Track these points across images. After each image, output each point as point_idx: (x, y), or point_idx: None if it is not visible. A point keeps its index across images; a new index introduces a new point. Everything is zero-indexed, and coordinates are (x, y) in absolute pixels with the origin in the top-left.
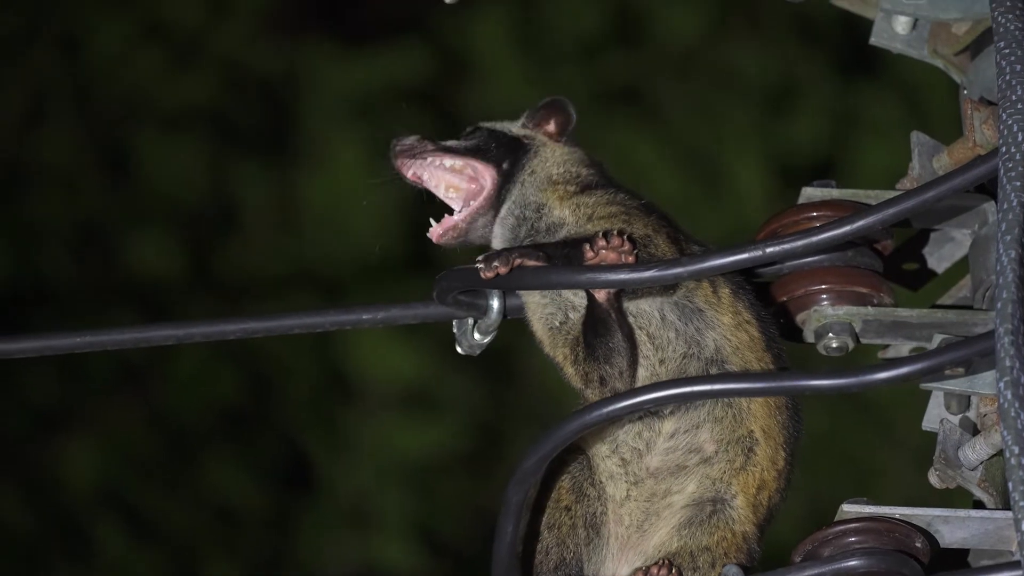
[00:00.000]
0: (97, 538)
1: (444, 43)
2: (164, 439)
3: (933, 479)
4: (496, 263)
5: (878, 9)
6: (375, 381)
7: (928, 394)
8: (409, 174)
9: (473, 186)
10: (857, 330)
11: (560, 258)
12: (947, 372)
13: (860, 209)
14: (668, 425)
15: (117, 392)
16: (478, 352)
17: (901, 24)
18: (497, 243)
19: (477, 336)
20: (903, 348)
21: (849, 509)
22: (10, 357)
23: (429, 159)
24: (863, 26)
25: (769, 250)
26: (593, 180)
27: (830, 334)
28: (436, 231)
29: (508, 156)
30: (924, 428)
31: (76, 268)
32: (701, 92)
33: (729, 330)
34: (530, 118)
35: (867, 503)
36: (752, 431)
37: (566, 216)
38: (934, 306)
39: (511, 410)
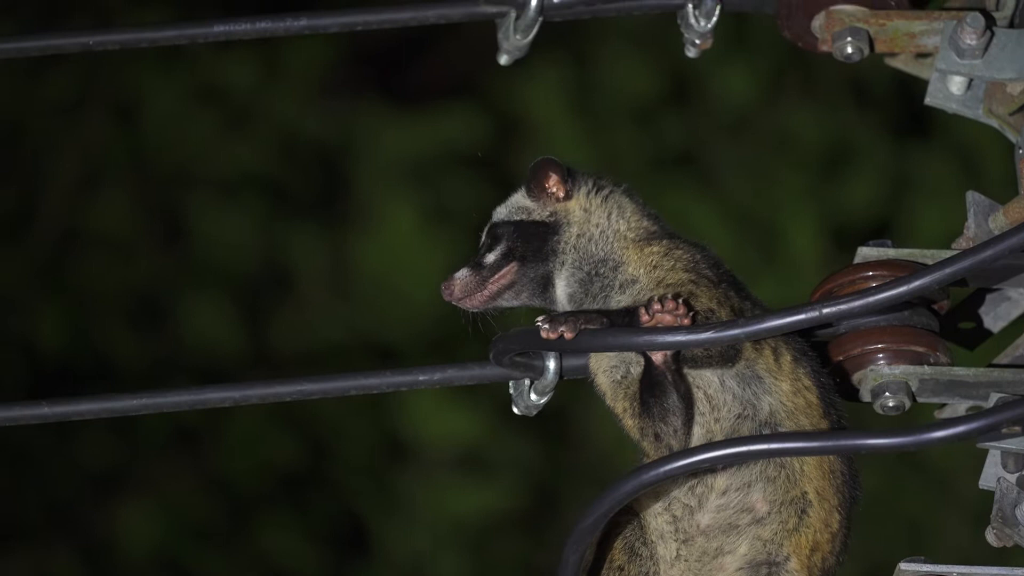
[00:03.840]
0: None
1: (499, 105)
2: (220, 502)
3: (990, 538)
4: (563, 327)
5: (933, 70)
6: (431, 443)
7: (985, 453)
8: (476, 308)
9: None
10: (914, 389)
11: (621, 322)
12: (1004, 431)
13: (916, 269)
14: (721, 482)
15: (173, 455)
16: (534, 413)
17: (956, 84)
18: (562, 297)
19: (534, 397)
20: (960, 407)
21: (907, 568)
22: (69, 419)
23: (487, 295)
24: (918, 87)
25: (826, 311)
26: (655, 231)
27: (887, 393)
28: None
29: (540, 243)
30: (981, 487)
31: (131, 335)
32: (756, 154)
33: (787, 396)
34: (531, 191)
35: (925, 562)
36: (806, 492)
37: (640, 275)
38: (991, 365)
39: (567, 470)
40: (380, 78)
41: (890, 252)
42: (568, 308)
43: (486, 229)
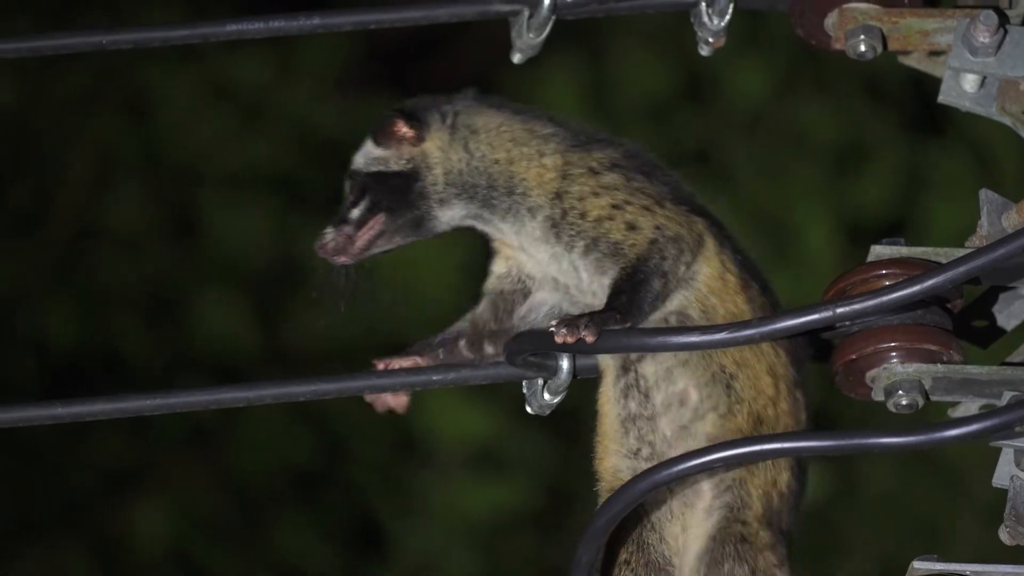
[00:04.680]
0: None
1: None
2: (234, 501)
3: (1003, 536)
4: (583, 332)
5: (946, 67)
6: (445, 442)
7: (998, 451)
8: (351, 261)
9: None
10: (927, 388)
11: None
12: (1017, 429)
13: (930, 268)
14: (648, 369)
15: (187, 454)
16: (548, 412)
17: (969, 82)
18: (455, 220)
19: (547, 396)
20: (972, 406)
21: (920, 567)
22: (82, 420)
23: (359, 247)
24: (931, 84)
25: (840, 310)
26: (547, 133)
27: (900, 391)
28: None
29: (403, 193)
30: (994, 485)
31: (145, 332)
32: (770, 152)
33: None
34: (379, 140)
35: (937, 560)
36: (723, 365)
37: (543, 203)
38: (1004, 363)
39: (581, 469)
40: (394, 75)
41: (903, 250)
42: (465, 225)
43: (346, 178)
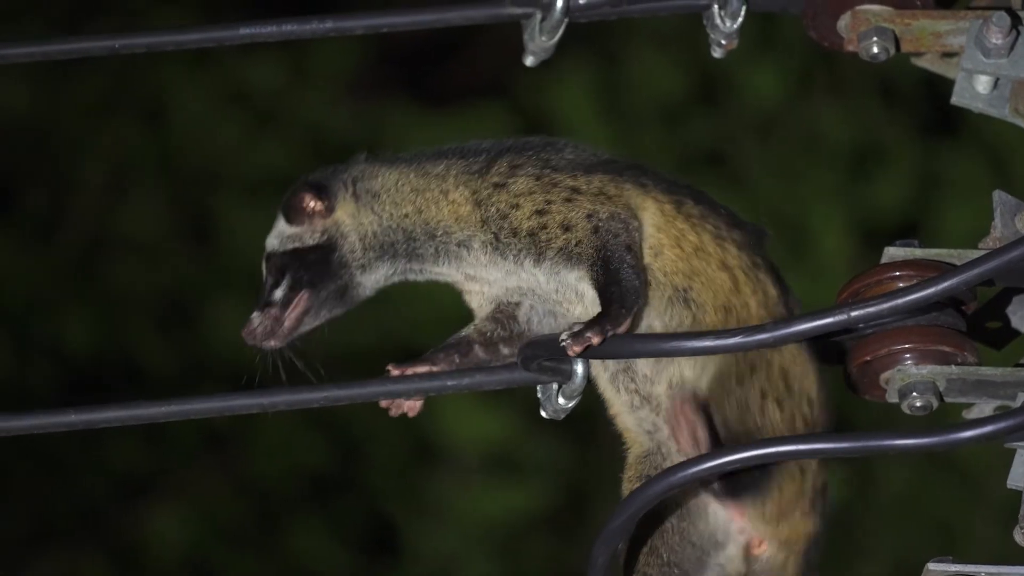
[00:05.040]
0: None
1: (526, 105)
2: (250, 506)
3: (1018, 537)
4: (589, 334)
5: (959, 69)
6: (460, 446)
7: (1013, 452)
8: (281, 344)
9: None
10: (941, 389)
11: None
12: None
13: (944, 269)
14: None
15: (203, 459)
16: (563, 416)
17: (982, 84)
18: (379, 283)
19: (562, 401)
20: (987, 407)
21: (935, 568)
22: (96, 427)
23: (287, 328)
24: (944, 86)
25: (854, 314)
26: (438, 172)
27: (914, 393)
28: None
29: (323, 265)
30: (1009, 486)
31: (161, 338)
32: (784, 154)
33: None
34: (293, 220)
35: (953, 562)
36: (649, 265)
37: (475, 234)
38: (1018, 365)
39: (597, 471)
40: (408, 78)
41: (917, 252)
42: (394, 283)
43: (263, 262)
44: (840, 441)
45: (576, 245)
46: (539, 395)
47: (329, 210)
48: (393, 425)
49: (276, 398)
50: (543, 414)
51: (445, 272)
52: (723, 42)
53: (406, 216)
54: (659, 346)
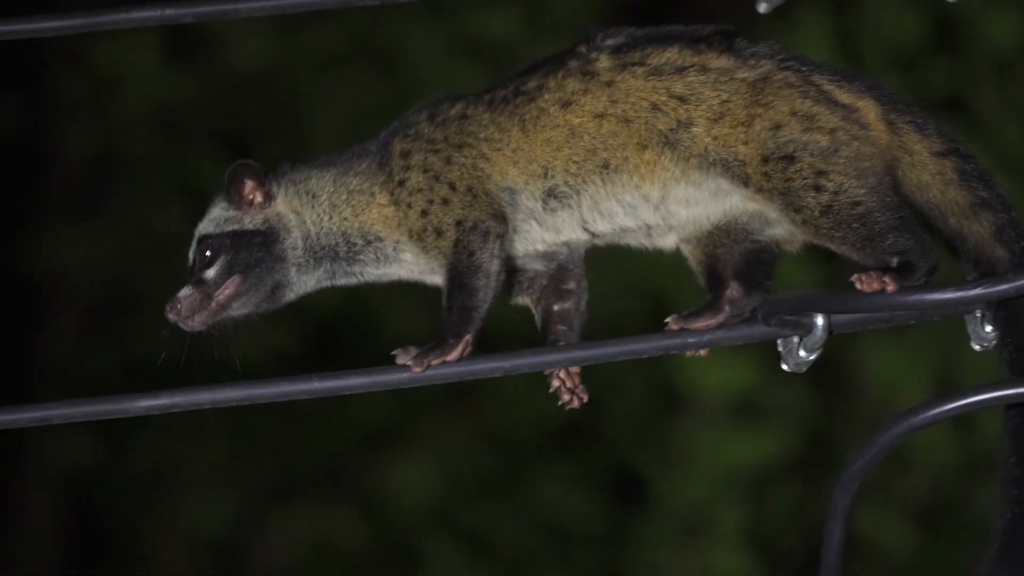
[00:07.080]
0: (428, 555)
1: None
2: (494, 457)
3: None
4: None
5: None
6: (705, 395)
7: None
8: (202, 325)
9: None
10: None
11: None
12: None
13: None
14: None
15: (447, 412)
16: (804, 369)
17: None
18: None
19: (803, 354)
20: None
21: None
22: (338, 394)
23: (213, 308)
24: None
25: None
26: (380, 178)
27: None
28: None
29: (262, 252)
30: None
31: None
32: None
33: None
34: (232, 200)
35: None
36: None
37: (403, 239)
38: None
39: (840, 417)
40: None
41: None
42: (322, 288)
43: (193, 245)
44: None
45: (448, 253)
46: (780, 349)
47: (269, 197)
48: (636, 377)
49: (519, 360)
50: (784, 367)
51: (395, 273)
52: None
53: (345, 219)
54: (902, 300)
